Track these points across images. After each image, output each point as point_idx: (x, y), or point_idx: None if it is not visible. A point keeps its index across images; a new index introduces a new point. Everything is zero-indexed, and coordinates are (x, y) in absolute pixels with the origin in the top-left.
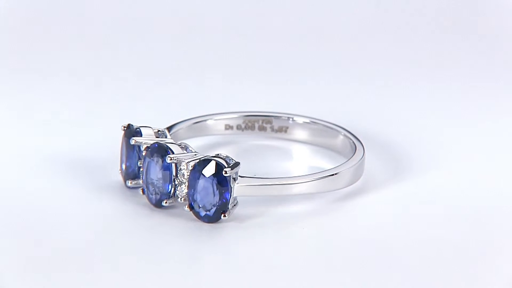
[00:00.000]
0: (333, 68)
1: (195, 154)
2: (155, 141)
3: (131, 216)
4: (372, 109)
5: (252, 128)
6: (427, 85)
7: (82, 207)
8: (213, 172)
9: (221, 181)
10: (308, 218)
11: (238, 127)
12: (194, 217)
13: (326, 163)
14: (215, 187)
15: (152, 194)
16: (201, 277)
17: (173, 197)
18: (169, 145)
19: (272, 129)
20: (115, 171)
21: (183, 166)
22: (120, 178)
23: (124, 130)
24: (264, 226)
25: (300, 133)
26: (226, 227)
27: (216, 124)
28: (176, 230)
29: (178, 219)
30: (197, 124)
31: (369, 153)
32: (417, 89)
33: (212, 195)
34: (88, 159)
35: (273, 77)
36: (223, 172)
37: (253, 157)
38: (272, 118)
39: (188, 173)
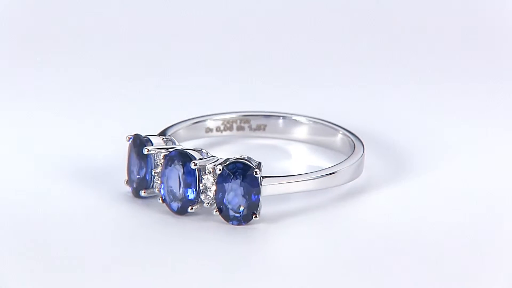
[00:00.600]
0: (331, 68)
1: (216, 158)
2: (173, 148)
3: (152, 225)
4: (371, 109)
5: (230, 129)
6: (426, 84)
7: (96, 219)
8: (242, 174)
9: (251, 182)
10: (324, 215)
11: (217, 129)
12: (223, 220)
13: (325, 162)
14: (245, 189)
15: (174, 202)
16: (248, 278)
17: (198, 203)
18: (188, 151)
19: (250, 128)
20: (118, 180)
21: (207, 170)
22: (127, 188)
23: (129, 140)
24: (295, 224)
25: (299, 132)
26: (258, 229)
27: (201, 126)
28: (209, 235)
29: (207, 224)
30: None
31: (368, 151)
32: (416, 88)
33: (242, 197)
34: (90, 166)
35: (270, 77)
36: (253, 173)
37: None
38: (250, 117)
39: (214, 177)
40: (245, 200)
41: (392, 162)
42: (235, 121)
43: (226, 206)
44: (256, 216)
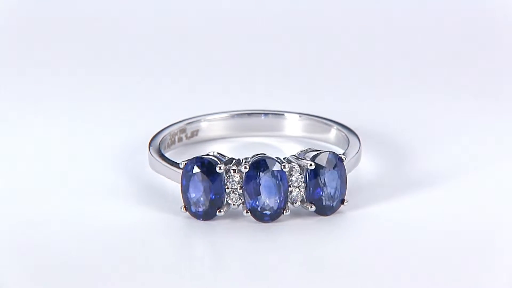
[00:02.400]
0: (325, 68)
1: (287, 157)
2: (251, 158)
3: (249, 235)
4: (366, 107)
5: (174, 142)
6: (423, 82)
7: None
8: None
9: (341, 169)
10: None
11: (168, 145)
12: (317, 214)
13: None
14: (338, 177)
15: (265, 210)
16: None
17: (287, 204)
18: (270, 157)
19: (187, 137)
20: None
21: (295, 170)
22: (184, 213)
23: (185, 166)
24: (375, 210)
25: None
26: (347, 217)
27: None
28: (317, 232)
29: (306, 222)
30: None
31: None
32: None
33: (335, 186)
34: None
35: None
36: (343, 159)
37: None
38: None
39: (301, 175)
40: (337, 189)
41: (389, 155)
42: (176, 134)
43: (320, 199)
44: (346, 202)
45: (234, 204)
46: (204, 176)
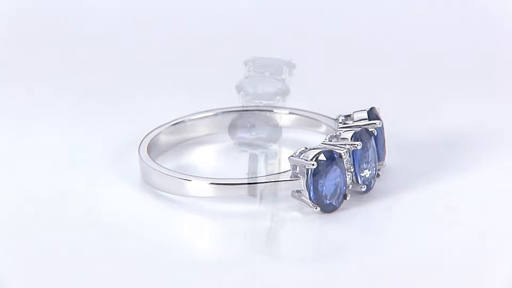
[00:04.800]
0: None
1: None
2: (353, 133)
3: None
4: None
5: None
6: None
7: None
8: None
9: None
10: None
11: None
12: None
13: None
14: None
15: (371, 180)
16: None
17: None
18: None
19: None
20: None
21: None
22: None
23: (314, 166)
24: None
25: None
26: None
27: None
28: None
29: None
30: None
31: None
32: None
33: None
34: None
35: None
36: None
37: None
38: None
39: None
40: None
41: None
42: None
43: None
44: (384, 163)
45: (349, 186)
46: (337, 166)
